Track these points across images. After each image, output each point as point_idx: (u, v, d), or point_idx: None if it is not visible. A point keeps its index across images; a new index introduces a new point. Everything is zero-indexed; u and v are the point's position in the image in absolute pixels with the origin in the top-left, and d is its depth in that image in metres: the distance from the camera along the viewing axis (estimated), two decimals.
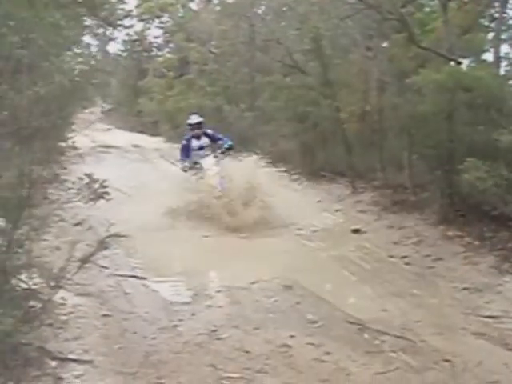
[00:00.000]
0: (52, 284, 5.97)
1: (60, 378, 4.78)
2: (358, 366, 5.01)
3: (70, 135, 26.02)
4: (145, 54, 45.17)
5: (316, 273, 7.51)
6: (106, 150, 25.13)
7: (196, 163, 11.17)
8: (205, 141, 11.53)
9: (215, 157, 11.23)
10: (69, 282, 7.02)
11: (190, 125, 11.82)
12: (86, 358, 5.15)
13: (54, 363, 5.01)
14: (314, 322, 5.93)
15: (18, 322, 5.21)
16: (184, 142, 11.73)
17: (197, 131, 11.51)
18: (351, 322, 5.91)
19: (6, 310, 5.22)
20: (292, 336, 5.55)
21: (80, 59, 8.86)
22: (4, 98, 5.94)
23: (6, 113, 6.19)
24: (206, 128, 11.88)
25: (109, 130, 40.29)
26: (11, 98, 5.90)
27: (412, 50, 11.05)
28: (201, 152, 11.35)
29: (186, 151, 11.53)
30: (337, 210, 11.10)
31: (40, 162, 6.61)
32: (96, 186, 5.78)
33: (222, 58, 23.17)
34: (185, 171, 11.28)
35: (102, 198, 5.83)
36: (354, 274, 7.52)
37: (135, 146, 26.99)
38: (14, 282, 5.66)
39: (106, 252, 6.35)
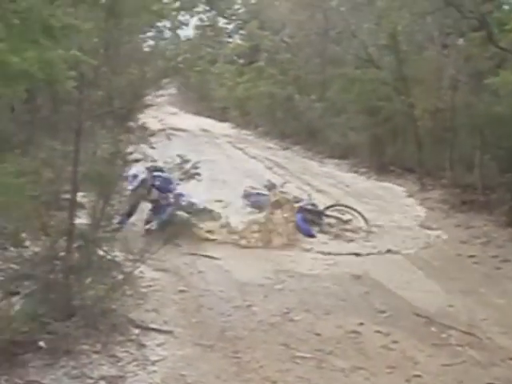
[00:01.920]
0: (134, 258, 6.37)
1: (143, 345, 5.11)
2: (424, 356, 5.17)
3: (140, 116, 26.63)
4: (216, 39, 45.74)
5: (385, 265, 7.69)
6: (174, 133, 25.63)
7: None
8: None
9: None
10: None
11: None
12: (166, 328, 5.48)
13: (137, 331, 5.35)
14: (383, 312, 6.12)
15: (108, 290, 5.61)
16: None
17: None
18: (418, 315, 6.06)
19: (96, 278, 5.62)
20: (361, 323, 5.75)
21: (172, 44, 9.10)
22: (102, 79, 6.30)
23: (102, 93, 6.57)
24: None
25: (177, 113, 41.04)
26: (109, 80, 6.27)
27: (489, 49, 10.97)
28: None
29: None
30: (407, 206, 11.23)
31: (130, 142, 6.96)
32: (188, 166, 6.09)
33: (295, 47, 23.34)
34: None
35: (194, 178, 6.14)
36: (421, 269, 7.66)
37: (203, 130, 27.46)
38: (100, 253, 6.06)
39: None
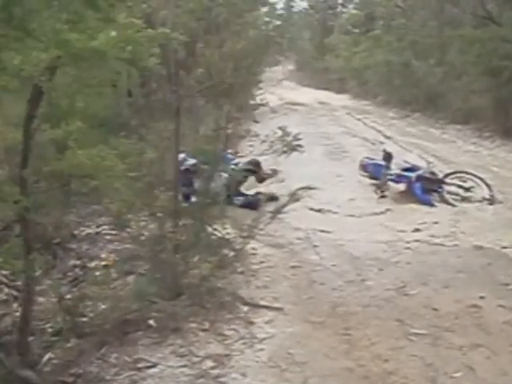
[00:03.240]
0: (244, 234, 6.31)
1: (251, 323, 5.02)
2: None
3: (258, 92, 26.83)
4: (330, 11, 45.11)
5: (508, 234, 7.20)
6: (292, 107, 25.58)
7: None
8: None
9: None
10: (260, 232, 7.42)
11: None
12: (275, 305, 5.35)
13: (245, 308, 5.27)
14: (506, 285, 5.69)
15: (214, 268, 5.59)
16: None
17: None
18: None
19: (202, 256, 5.61)
20: (482, 297, 5.38)
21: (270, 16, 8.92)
22: (200, 55, 6.25)
23: (202, 70, 6.51)
24: None
25: (295, 87, 40.97)
26: (206, 56, 6.19)
27: None
28: None
29: None
30: None
31: (232, 118, 6.91)
32: (289, 138, 5.95)
33: (410, 11, 22.54)
34: None
35: (296, 150, 5.99)
36: None
37: (321, 103, 27.21)
38: (209, 230, 6.04)
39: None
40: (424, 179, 9.01)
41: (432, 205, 8.60)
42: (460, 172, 9.38)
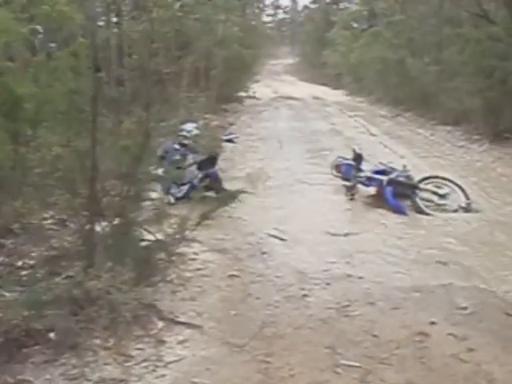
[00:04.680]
0: (176, 237, 5.72)
1: (162, 342, 4.38)
2: (505, 372, 4.05)
3: (251, 85, 26.29)
4: (334, 6, 44.45)
5: (477, 248, 6.52)
6: (285, 101, 25.00)
7: None
8: None
9: None
10: (208, 235, 6.79)
11: None
12: (196, 322, 4.70)
13: (160, 324, 4.62)
14: (463, 309, 5.01)
15: (134, 278, 4.97)
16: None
17: None
18: (509, 314, 4.95)
19: (119, 262, 4.99)
20: (433, 323, 4.70)
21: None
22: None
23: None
24: None
25: (293, 81, 40.42)
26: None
27: None
28: None
29: None
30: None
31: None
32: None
33: (410, 7, 21.86)
34: None
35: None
36: None
37: (315, 98, 26.65)
38: (137, 233, 5.44)
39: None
40: (396, 183, 8.36)
41: (403, 213, 7.95)
42: (436, 177, 8.71)
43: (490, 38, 12.36)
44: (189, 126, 8.73)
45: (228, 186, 8.61)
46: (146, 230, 5.72)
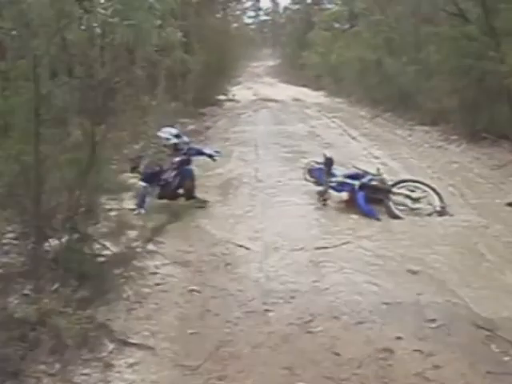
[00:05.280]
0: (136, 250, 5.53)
1: (110, 366, 4.12)
2: None
3: (231, 88, 26.02)
4: (315, 7, 44.25)
5: (449, 256, 6.27)
6: (265, 103, 24.79)
7: None
8: None
9: None
10: (167, 248, 6.55)
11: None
12: (149, 342, 4.45)
13: (111, 346, 4.36)
14: (432, 322, 4.78)
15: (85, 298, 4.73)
16: None
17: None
18: (479, 326, 4.70)
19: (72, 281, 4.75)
20: (399, 338, 4.49)
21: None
22: None
23: None
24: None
25: (274, 83, 40.22)
26: None
27: None
28: None
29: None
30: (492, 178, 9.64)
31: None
32: None
33: (387, 7, 21.66)
34: None
35: None
36: (496, 260, 6.19)
37: (295, 99, 26.45)
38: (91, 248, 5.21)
39: None
40: (369, 188, 8.14)
41: (375, 218, 7.73)
42: (409, 181, 8.50)
43: (466, 37, 12.11)
44: (166, 133, 8.44)
45: (197, 192, 8.41)
46: (102, 244, 5.51)
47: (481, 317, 4.84)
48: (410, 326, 4.72)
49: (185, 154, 8.33)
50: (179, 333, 4.67)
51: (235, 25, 34.38)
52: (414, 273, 5.84)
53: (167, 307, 5.12)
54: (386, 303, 5.15)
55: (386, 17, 21.13)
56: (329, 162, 8.35)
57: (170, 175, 8.14)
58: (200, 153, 8.69)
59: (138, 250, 6.02)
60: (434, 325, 4.74)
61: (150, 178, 8.04)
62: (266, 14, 69.31)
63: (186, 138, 8.66)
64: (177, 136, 8.39)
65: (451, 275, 5.75)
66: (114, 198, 5.86)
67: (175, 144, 8.30)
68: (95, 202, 5.28)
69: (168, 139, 8.28)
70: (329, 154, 8.60)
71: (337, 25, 34.28)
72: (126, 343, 4.44)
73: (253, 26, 62.68)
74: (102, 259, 5.39)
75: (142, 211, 7.66)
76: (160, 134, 8.40)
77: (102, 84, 5.14)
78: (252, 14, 66.40)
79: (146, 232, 6.46)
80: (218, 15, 27.83)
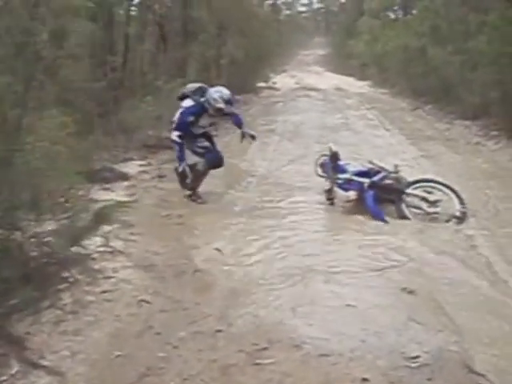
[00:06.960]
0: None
1: None
2: None
3: (273, 76, 25.19)
4: None
5: (455, 278, 5.30)
6: (306, 92, 23.86)
7: None
8: None
9: None
10: (137, 247, 5.86)
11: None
12: (62, 366, 3.67)
13: (15, 369, 3.61)
14: (413, 359, 3.87)
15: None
16: None
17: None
18: (471, 370, 3.74)
19: None
20: (365, 379, 3.59)
21: None
22: None
23: None
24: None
25: (320, 72, 39.22)
26: None
27: None
28: None
29: None
30: None
31: None
32: None
33: None
34: None
35: None
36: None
37: (338, 89, 25.46)
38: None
39: None
40: (379, 187, 7.23)
41: (384, 220, 6.83)
42: (428, 180, 7.53)
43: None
44: (218, 92, 7.55)
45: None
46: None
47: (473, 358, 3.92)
48: (384, 364, 3.81)
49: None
50: (103, 355, 3.89)
51: (287, 12, 33.57)
52: (410, 292, 4.92)
53: (104, 321, 4.35)
54: (364, 329, 4.26)
55: (434, 2, 19.94)
56: (334, 157, 7.46)
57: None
58: (239, 126, 8.02)
59: (100, 249, 5.30)
60: (414, 363, 3.82)
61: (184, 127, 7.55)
62: (320, 2, 67.91)
63: (234, 109, 8.00)
64: (227, 102, 7.57)
65: (448, 300, 4.84)
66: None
67: (219, 109, 7.53)
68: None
69: (215, 100, 7.48)
70: (334, 147, 7.68)
71: (389, 13, 33.15)
72: (35, 365, 3.68)
73: (306, 14, 61.52)
74: (46, 260, 4.64)
75: (186, 167, 7.54)
76: (211, 92, 7.55)
77: None
78: (305, 1, 65.22)
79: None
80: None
